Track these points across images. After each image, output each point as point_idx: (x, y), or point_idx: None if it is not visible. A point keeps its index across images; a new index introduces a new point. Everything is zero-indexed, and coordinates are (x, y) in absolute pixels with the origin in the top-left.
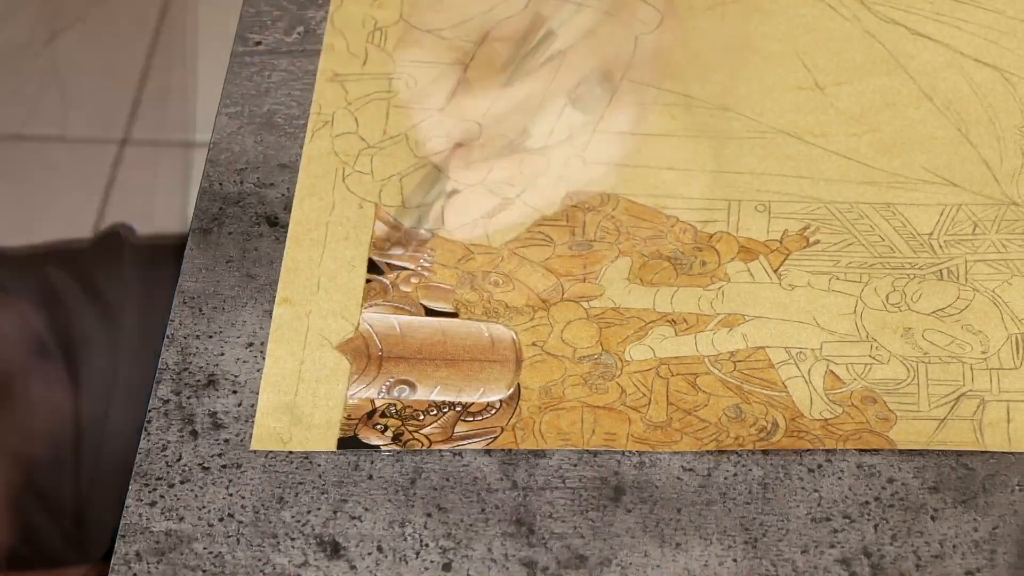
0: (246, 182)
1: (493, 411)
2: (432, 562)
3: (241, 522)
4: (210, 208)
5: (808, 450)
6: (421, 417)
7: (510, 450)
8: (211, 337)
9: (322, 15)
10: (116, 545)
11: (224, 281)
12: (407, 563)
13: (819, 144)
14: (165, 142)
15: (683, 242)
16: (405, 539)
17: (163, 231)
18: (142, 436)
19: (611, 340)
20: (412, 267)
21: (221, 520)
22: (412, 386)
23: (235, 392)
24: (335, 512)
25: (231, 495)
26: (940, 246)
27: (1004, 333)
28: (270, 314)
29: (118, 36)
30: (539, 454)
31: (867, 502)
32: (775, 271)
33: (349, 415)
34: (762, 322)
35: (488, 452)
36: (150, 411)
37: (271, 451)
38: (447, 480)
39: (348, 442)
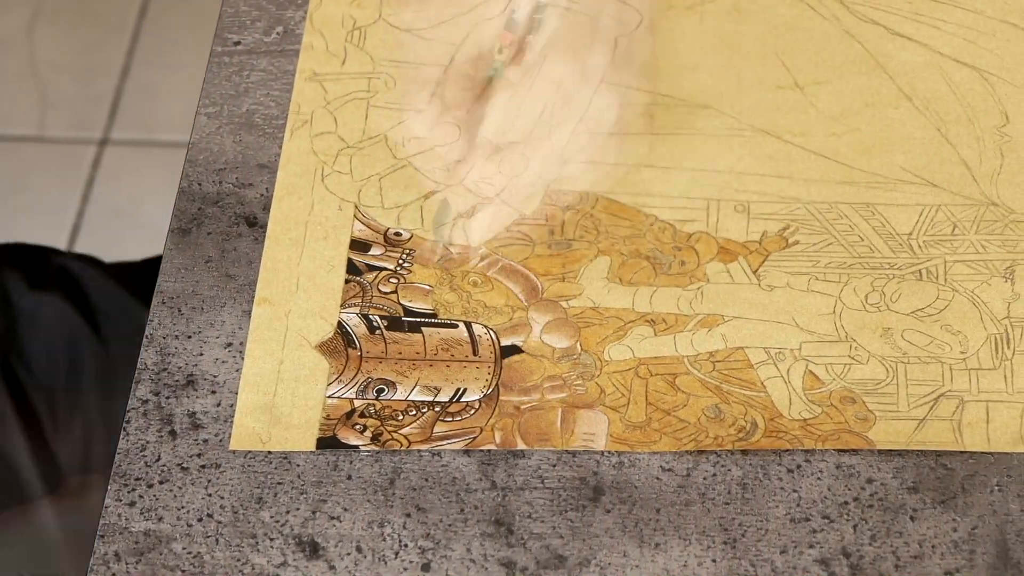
0: (225, 182)
1: (472, 411)
2: (411, 562)
3: (220, 522)
4: (189, 208)
5: (787, 450)
6: (400, 417)
7: (489, 450)
8: (190, 337)
9: (301, 15)
10: (95, 545)
11: (203, 281)
12: (386, 563)
13: (798, 144)
14: (144, 142)
15: (662, 241)
16: (384, 539)
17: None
18: (121, 436)
19: (590, 340)
20: (391, 267)
21: (200, 520)
22: (391, 386)
23: (214, 392)
24: (314, 512)
25: (210, 495)
26: (919, 246)
27: (983, 333)
28: (249, 314)
29: (97, 36)
30: (518, 454)
31: (846, 502)
32: (755, 272)
33: (328, 415)
34: (741, 322)
35: (467, 452)
36: (129, 411)
37: (250, 451)
38: (426, 480)
39: (327, 442)
